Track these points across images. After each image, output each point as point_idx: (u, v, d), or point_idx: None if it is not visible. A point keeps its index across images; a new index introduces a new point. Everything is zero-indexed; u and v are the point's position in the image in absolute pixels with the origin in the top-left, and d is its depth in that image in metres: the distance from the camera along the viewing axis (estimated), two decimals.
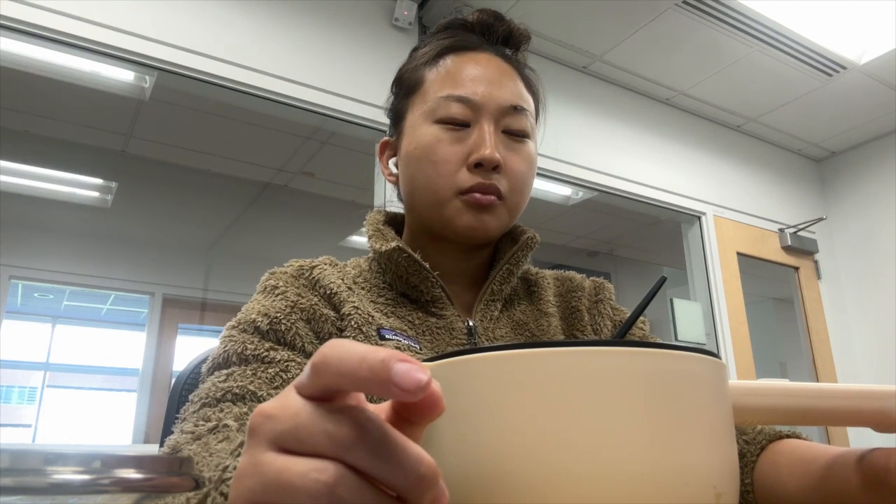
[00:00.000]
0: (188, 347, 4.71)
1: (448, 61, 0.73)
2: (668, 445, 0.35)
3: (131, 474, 0.22)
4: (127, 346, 5.24)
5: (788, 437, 0.62)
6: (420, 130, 0.71)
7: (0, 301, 4.20)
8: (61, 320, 5.37)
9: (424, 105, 0.72)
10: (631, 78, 3.14)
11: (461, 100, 0.70)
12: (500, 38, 0.78)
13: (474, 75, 0.71)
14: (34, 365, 5.27)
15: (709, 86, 3.20)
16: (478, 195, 0.68)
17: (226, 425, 0.52)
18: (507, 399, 0.36)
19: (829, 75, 3.08)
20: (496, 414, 0.36)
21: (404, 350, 0.66)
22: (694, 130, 3.44)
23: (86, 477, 0.21)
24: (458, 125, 0.70)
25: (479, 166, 0.68)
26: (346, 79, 2.34)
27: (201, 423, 0.54)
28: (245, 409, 0.56)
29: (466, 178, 0.68)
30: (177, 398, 0.82)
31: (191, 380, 0.83)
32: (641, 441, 0.34)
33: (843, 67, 3.03)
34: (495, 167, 0.68)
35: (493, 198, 0.68)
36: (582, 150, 2.95)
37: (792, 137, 3.72)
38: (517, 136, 0.71)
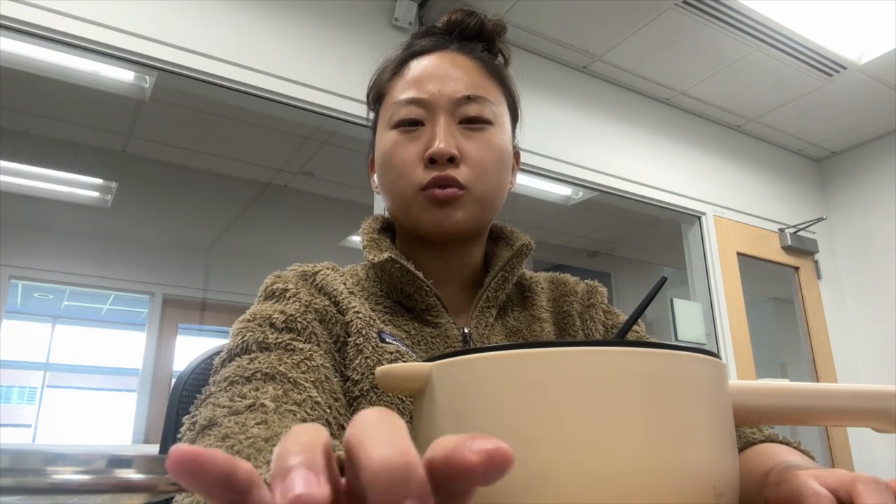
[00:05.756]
0: (188, 347, 4.71)
1: (407, 68, 0.75)
2: (667, 445, 0.35)
3: (131, 474, 0.22)
4: (127, 346, 5.24)
5: (763, 442, 0.62)
6: (382, 139, 0.73)
7: (0, 301, 4.20)
8: (61, 320, 5.37)
9: (386, 115, 0.74)
10: (631, 78, 3.14)
11: (412, 101, 0.71)
12: (472, 34, 0.78)
13: (426, 75, 0.72)
14: (34, 365, 5.27)
15: (709, 86, 3.20)
16: (437, 190, 0.68)
17: (263, 404, 0.51)
18: (507, 398, 0.36)
19: (829, 75, 3.08)
20: (496, 413, 0.36)
21: (403, 356, 0.66)
22: (694, 130, 3.44)
23: (86, 477, 0.21)
24: (414, 125, 0.71)
25: (433, 161, 0.68)
26: (345, 79, 2.34)
27: (237, 398, 0.53)
28: (280, 391, 0.54)
29: (424, 175, 0.69)
30: (177, 398, 0.81)
31: (191, 380, 0.83)
32: (641, 441, 0.34)
33: (843, 67, 3.03)
34: (451, 159, 0.68)
35: (453, 191, 0.68)
36: (582, 150, 2.95)
37: (792, 137, 3.72)
38: (474, 123, 0.71)
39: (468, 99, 0.70)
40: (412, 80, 0.73)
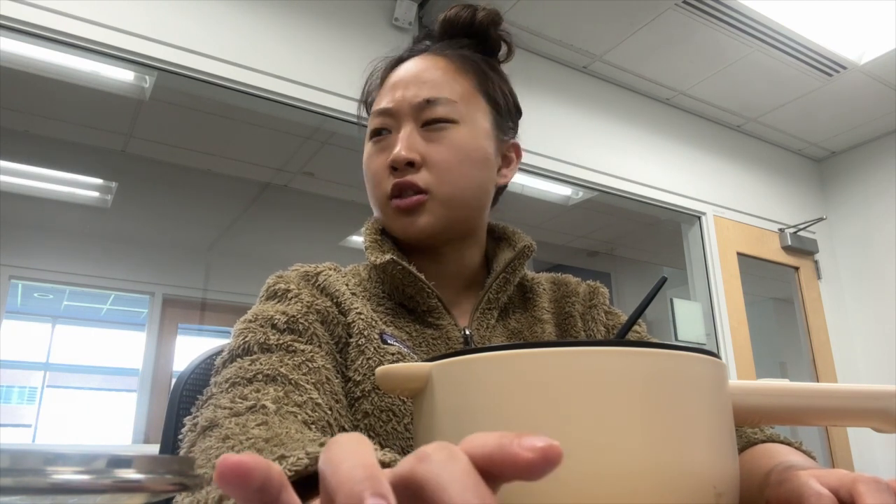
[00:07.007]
0: (188, 347, 4.71)
1: (388, 77, 0.76)
2: (667, 445, 0.35)
3: (131, 474, 0.22)
4: (127, 346, 5.24)
5: (763, 442, 0.62)
6: (364, 150, 0.76)
7: (0, 301, 4.20)
8: (61, 320, 5.37)
9: (368, 125, 0.76)
10: (631, 78, 3.14)
11: (381, 112, 0.73)
12: (464, 29, 0.78)
13: (397, 82, 0.74)
14: (34, 365, 5.27)
15: (709, 86, 3.20)
16: (399, 201, 0.70)
17: (264, 406, 0.51)
18: (508, 398, 0.36)
19: (829, 75, 3.08)
20: (497, 413, 0.36)
21: (405, 357, 0.66)
22: (694, 130, 3.44)
23: (86, 477, 0.21)
24: (383, 135, 0.73)
25: (396, 168, 0.70)
26: (346, 79, 2.34)
27: (238, 400, 0.53)
28: (281, 393, 0.54)
29: (389, 183, 0.70)
30: (177, 398, 0.81)
31: (191, 380, 0.83)
32: (641, 441, 0.34)
33: (843, 67, 3.03)
34: (411, 164, 0.69)
35: (416, 199, 0.69)
36: (582, 150, 2.95)
37: (792, 137, 3.72)
38: (436, 125, 0.71)
39: (428, 102, 0.71)
40: (386, 90, 0.74)
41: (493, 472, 0.23)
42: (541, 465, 0.22)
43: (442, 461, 0.23)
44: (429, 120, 0.71)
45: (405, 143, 0.70)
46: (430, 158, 0.70)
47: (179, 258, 4.71)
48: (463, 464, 0.23)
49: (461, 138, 0.71)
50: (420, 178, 0.69)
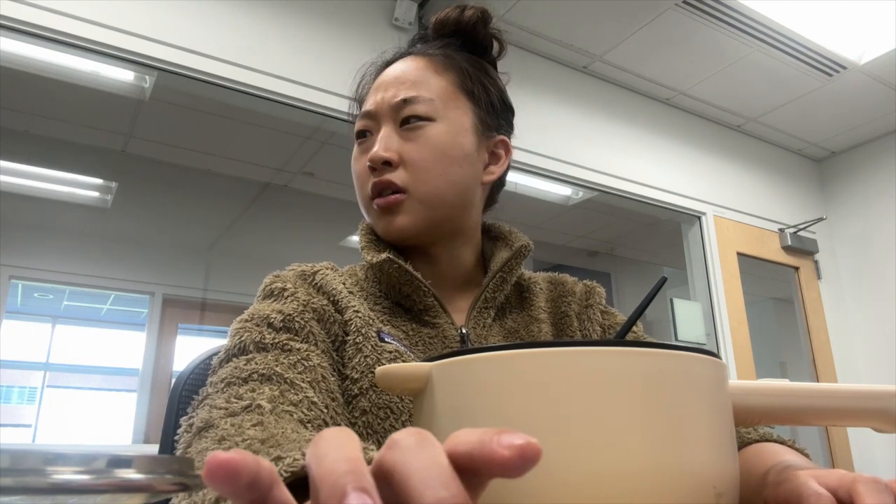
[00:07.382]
0: (188, 347, 4.71)
1: (375, 80, 0.77)
2: (667, 445, 0.35)
3: (131, 474, 0.22)
4: (127, 346, 5.24)
5: (758, 441, 0.62)
6: (352, 154, 0.77)
7: (0, 301, 4.20)
8: (61, 320, 5.37)
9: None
10: (631, 78, 3.14)
11: (363, 115, 0.75)
12: (451, 29, 0.78)
13: (380, 85, 0.75)
14: (34, 365, 5.27)
15: (709, 86, 3.20)
16: (379, 200, 0.70)
17: (259, 405, 0.51)
18: (508, 398, 0.36)
19: (829, 75, 3.08)
20: (497, 413, 0.36)
21: (402, 355, 0.66)
22: (694, 130, 3.44)
23: (86, 477, 0.21)
24: (366, 137, 0.74)
25: (374, 169, 0.70)
26: (346, 79, 2.33)
27: (234, 400, 0.53)
28: (276, 392, 0.54)
29: (370, 183, 0.71)
30: (177, 398, 0.81)
31: (191, 380, 0.83)
32: (641, 441, 0.34)
33: (843, 67, 3.03)
34: (388, 163, 0.70)
35: (395, 197, 0.69)
36: (582, 150, 2.95)
37: (792, 137, 3.72)
38: (413, 123, 0.71)
39: (405, 102, 0.71)
40: (370, 93, 0.76)
41: (474, 468, 0.22)
42: (518, 463, 0.22)
43: (410, 448, 0.22)
44: (405, 118, 0.71)
45: (382, 143, 0.70)
46: (407, 157, 0.70)
47: (179, 258, 4.71)
48: (431, 451, 0.22)
49: (438, 135, 0.71)
50: (397, 176, 0.70)
